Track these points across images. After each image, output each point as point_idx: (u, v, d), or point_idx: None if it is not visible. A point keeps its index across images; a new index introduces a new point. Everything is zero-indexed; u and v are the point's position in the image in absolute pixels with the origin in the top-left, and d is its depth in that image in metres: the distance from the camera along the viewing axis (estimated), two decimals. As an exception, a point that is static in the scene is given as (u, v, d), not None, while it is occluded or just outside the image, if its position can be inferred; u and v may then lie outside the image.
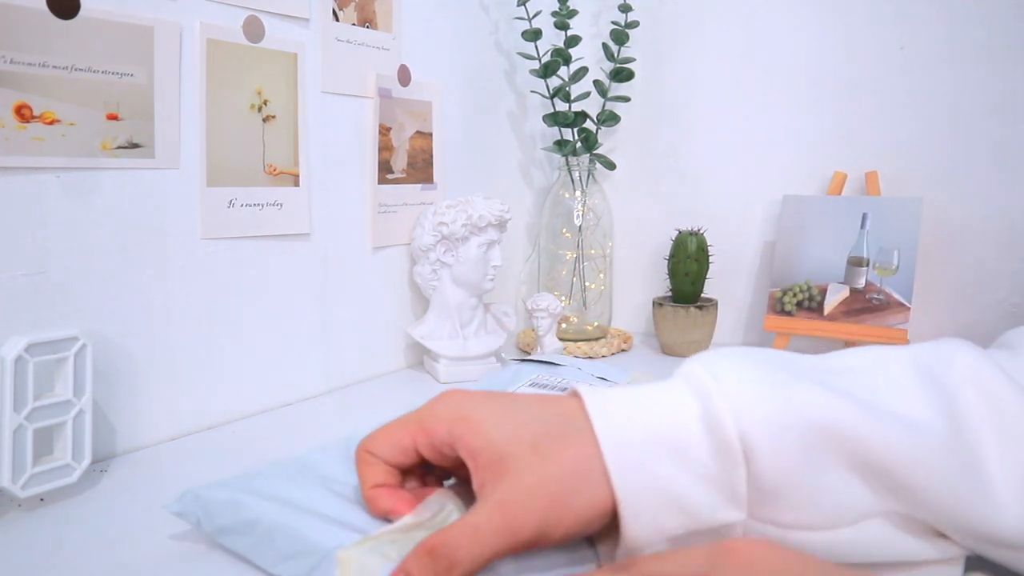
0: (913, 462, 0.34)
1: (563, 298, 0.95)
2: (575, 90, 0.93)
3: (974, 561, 0.37)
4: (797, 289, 0.87)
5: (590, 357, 0.90)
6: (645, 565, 0.31)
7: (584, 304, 0.96)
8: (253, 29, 0.65)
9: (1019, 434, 0.35)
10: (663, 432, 0.34)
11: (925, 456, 0.34)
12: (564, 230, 0.96)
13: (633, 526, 0.34)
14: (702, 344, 0.91)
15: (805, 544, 0.35)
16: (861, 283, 0.84)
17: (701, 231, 0.92)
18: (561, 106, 0.95)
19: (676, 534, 0.34)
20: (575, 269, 0.96)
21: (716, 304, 0.92)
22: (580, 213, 0.95)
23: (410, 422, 0.38)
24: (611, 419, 0.35)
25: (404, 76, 0.82)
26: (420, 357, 0.87)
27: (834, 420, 0.34)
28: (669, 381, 0.37)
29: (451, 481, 0.42)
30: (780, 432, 0.34)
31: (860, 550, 0.35)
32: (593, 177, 0.96)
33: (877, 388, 0.37)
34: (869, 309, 0.83)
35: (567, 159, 0.94)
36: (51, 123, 0.52)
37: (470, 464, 0.35)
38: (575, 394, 0.37)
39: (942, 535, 0.36)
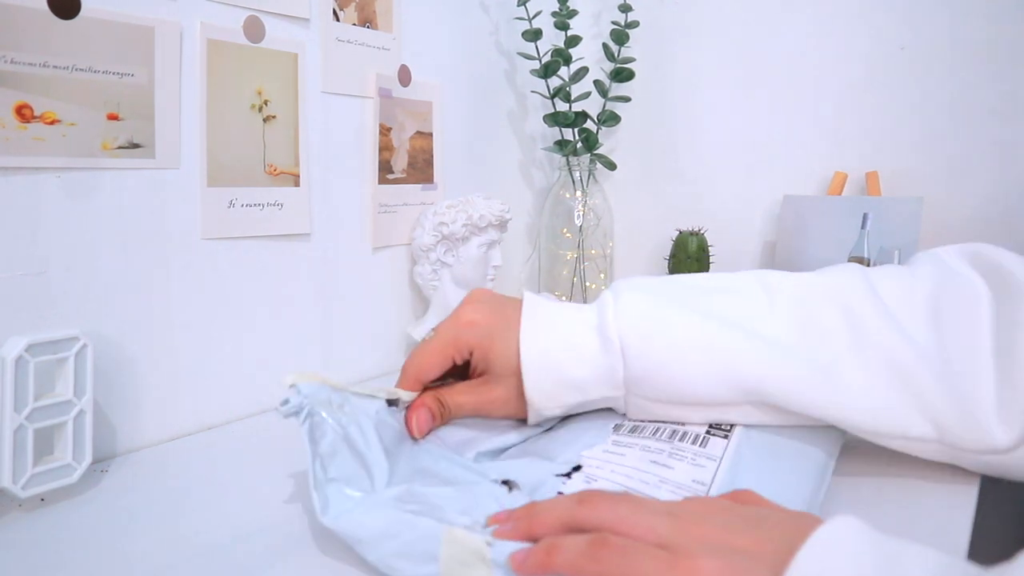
0: (763, 368, 0.46)
1: (563, 298, 0.95)
2: (575, 90, 0.93)
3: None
4: (797, 289, 0.87)
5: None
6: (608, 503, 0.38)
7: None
8: (253, 29, 0.65)
9: (874, 342, 0.45)
10: (566, 334, 0.50)
11: (776, 363, 0.46)
12: (564, 230, 0.96)
13: (534, 398, 0.50)
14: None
15: (669, 414, 0.50)
16: (861, 283, 0.84)
17: (701, 231, 0.92)
18: (561, 106, 0.95)
19: (571, 403, 0.51)
20: (575, 269, 0.96)
21: (716, 304, 0.92)
22: (580, 213, 0.95)
23: (444, 347, 0.52)
24: (532, 322, 0.51)
25: (404, 76, 0.82)
26: (420, 357, 0.87)
27: (693, 337, 0.48)
28: (590, 303, 0.53)
29: None
30: (648, 339, 0.48)
31: (717, 418, 0.50)
32: (593, 177, 0.96)
33: (746, 309, 0.49)
34: (869, 309, 0.83)
35: (567, 159, 0.94)
36: (52, 123, 0.52)
37: (474, 367, 0.53)
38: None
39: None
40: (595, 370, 0.49)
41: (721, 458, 0.47)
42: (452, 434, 0.52)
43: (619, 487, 0.45)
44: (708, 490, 0.44)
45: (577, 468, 0.47)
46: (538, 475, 0.46)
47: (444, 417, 0.51)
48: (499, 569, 0.35)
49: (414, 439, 0.50)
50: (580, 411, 0.53)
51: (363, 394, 0.48)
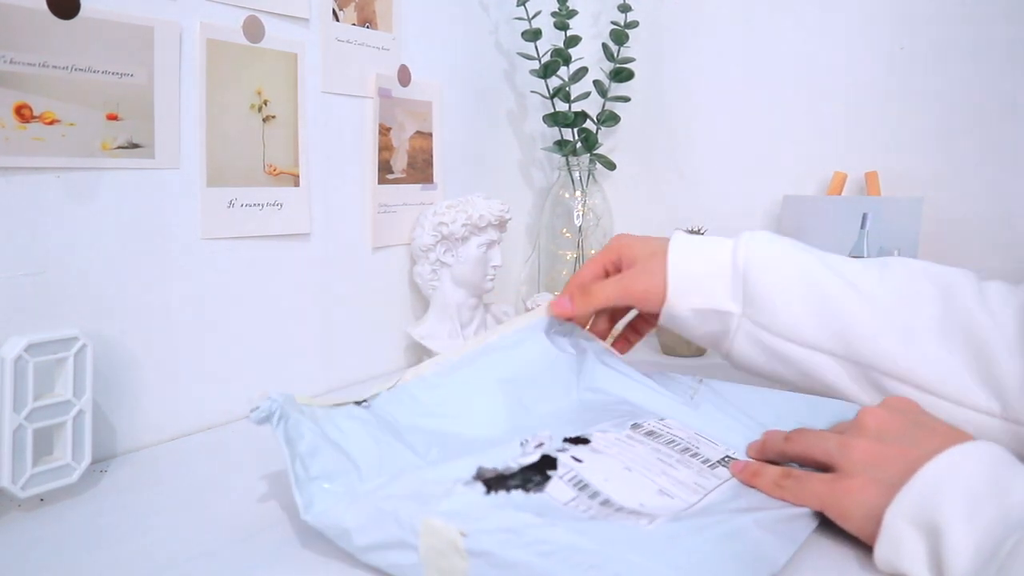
0: (856, 316, 0.53)
1: (563, 298, 0.95)
2: (575, 90, 0.93)
3: None
4: (797, 289, 0.87)
5: (590, 357, 0.90)
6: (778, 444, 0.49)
7: (584, 304, 0.96)
8: (253, 29, 0.65)
9: (960, 317, 0.51)
10: (706, 248, 0.59)
11: (867, 314, 0.53)
12: (564, 230, 0.96)
13: (673, 287, 0.57)
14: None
15: (769, 353, 0.56)
16: (861, 283, 0.84)
17: (701, 231, 0.92)
18: (561, 106, 0.95)
19: (697, 307, 0.57)
20: (575, 269, 0.96)
21: (716, 304, 0.92)
22: (580, 213, 0.95)
23: (598, 256, 0.63)
24: (677, 236, 0.60)
25: (404, 76, 0.82)
26: (420, 357, 0.86)
27: (806, 274, 0.55)
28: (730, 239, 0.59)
29: None
30: (766, 267, 0.56)
31: (803, 370, 0.56)
32: (593, 177, 0.96)
33: (858, 271, 0.55)
34: (869, 309, 0.83)
35: (567, 159, 0.94)
36: (51, 123, 0.52)
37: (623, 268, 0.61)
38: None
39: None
40: (722, 280, 0.57)
41: (727, 480, 0.47)
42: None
43: (622, 467, 0.45)
44: (707, 494, 0.44)
45: (586, 441, 0.48)
46: (551, 442, 0.47)
47: (585, 304, 0.59)
48: (476, 558, 0.36)
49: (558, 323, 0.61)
50: (698, 328, 0.59)
51: (328, 405, 0.49)
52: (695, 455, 0.50)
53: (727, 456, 0.50)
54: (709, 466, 0.49)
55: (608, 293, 0.59)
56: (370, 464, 0.45)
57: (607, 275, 0.61)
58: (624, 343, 0.67)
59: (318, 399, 0.49)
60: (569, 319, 0.61)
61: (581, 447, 0.47)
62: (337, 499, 0.42)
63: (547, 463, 0.44)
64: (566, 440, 0.48)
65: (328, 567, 0.40)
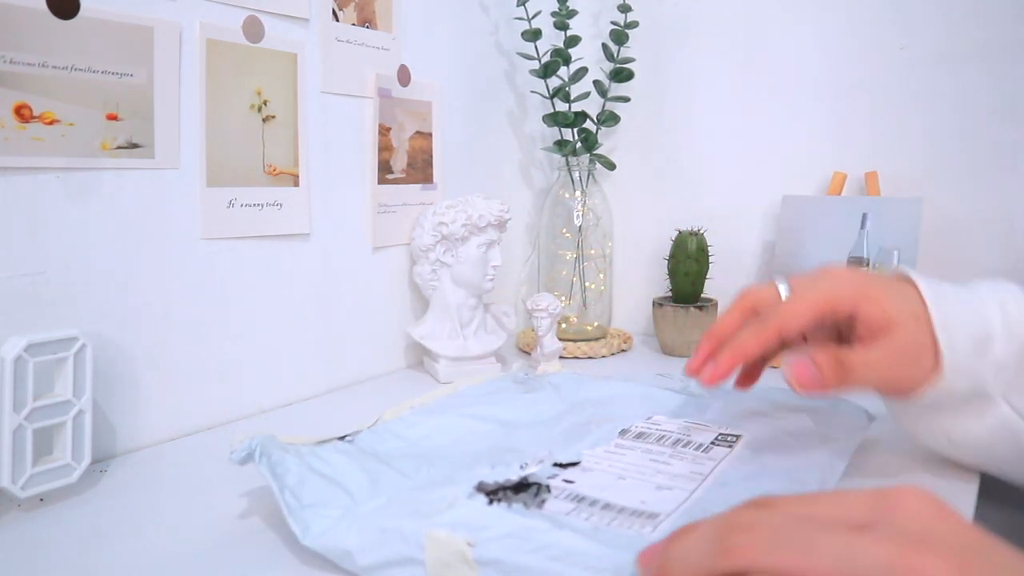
0: None
1: (563, 298, 0.95)
2: (575, 90, 0.93)
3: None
4: (797, 289, 0.87)
5: (590, 357, 0.90)
6: (804, 505, 0.30)
7: (584, 304, 0.96)
8: (253, 29, 0.65)
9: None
10: (975, 327, 0.45)
11: None
12: (564, 230, 0.96)
13: (947, 384, 0.45)
14: (702, 344, 0.91)
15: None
16: (861, 283, 0.84)
17: (701, 231, 0.92)
18: (561, 106, 0.94)
19: (976, 358, 0.45)
20: (575, 269, 0.96)
21: (716, 304, 0.92)
22: (580, 213, 0.95)
23: (819, 300, 0.45)
24: (943, 310, 0.45)
25: (404, 76, 0.82)
26: (420, 357, 0.87)
27: None
28: (972, 289, 0.48)
29: None
30: None
31: None
32: (593, 177, 0.96)
33: None
34: (869, 309, 0.83)
35: (567, 159, 0.94)
36: (51, 123, 0.52)
37: (862, 328, 0.45)
38: (911, 281, 0.47)
39: None
40: (992, 323, 0.45)
41: (723, 459, 0.48)
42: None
43: (615, 477, 0.45)
44: (704, 480, 0.45)
45: (575, 463, 0.48)
46: (542, 467, 0.47)
47: (840, 380, 0.43)
48: (485, 567, 0.36)
49: (799, 392, 0.44)
50: (968, 382, 0.45)
51: (311, 443, 0.49)
52: (687, 444, 0.50)
53: (720, 435, 0.52)
54: (703, 451, 0.49)
55: (872, 378, 0.45)
56: (363, 489, 0.45)
57: (832, 327, 0.48)
58: (748, 379, 0.52)
59: (300, 437, 0.49)
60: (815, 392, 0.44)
61: (571, 470, 0.47)
62: (336, 521, 0.41)
63: (540, 490, 0.44)
64: (556, 465, 0.47)
65: (328, 566, 0.40)
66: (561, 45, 0.92)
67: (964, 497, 0.47)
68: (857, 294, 0.45)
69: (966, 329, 0.45)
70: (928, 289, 0.46)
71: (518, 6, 0.90)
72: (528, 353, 0.91)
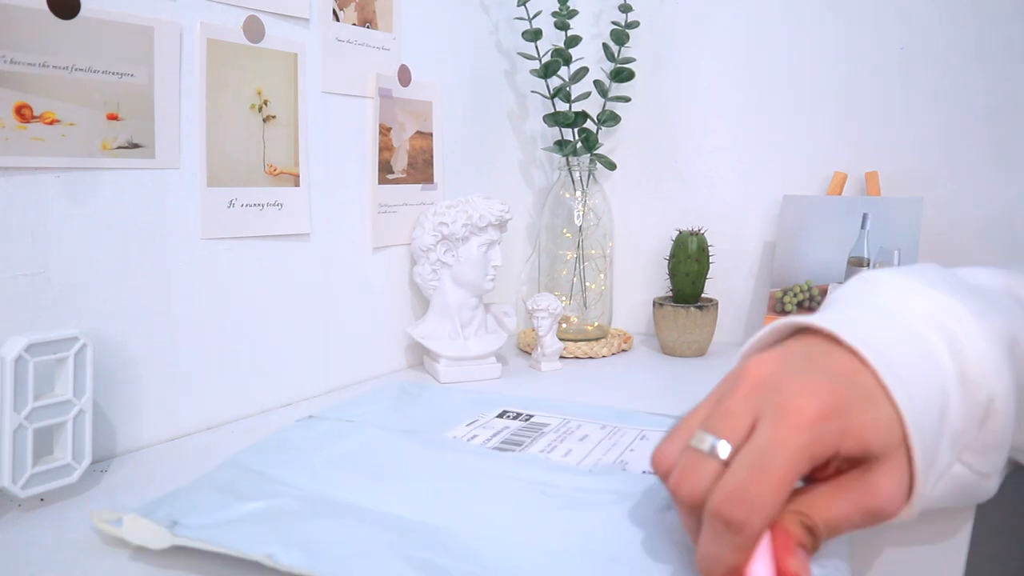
0: None
1: (563, 298, 0.95)
2: (575, 90, 0.93)
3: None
4: (798, 289, 0.87)
5: (590, 357, 0.90)
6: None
7: (584, 304, 0.96)
8: (253, 29, 0.65)
9: None
10: (937, 400, 0.37)
11: None
12: (564, 230, 0.96)
13: (921, 494, 0.36)
14: (702, 344, 0.91)
15: (987, 488, 0.41)
16: (861, 283, 0.84)
17: (701, 231, 0.92)
18: (561, 106, 0.95)
19: (942, 462, 0.38)
20: (575, 269, 0.96)
21: (716, 304, 0.92)
22: (580, 213, 0.95)
23: (789, 470, 0.33)
24: (918, 427, 0.36)
25: (404, 76, 0.82)
26: (420, 357, 0.87)
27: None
28: (917, 326, 0.39)
29: None
30: (1012, 394, 0.38)
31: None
32: (593, 177, 0.96)
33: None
34: (869, 309, 0.83)
35: (567, 159, 0.94)
36: (51, 123, 0.52)
37: (831, 469, 0.36)
38: (861, 359, 0.37)
39: None
40: (953, 442, 0.38)
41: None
42: None
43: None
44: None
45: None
46: None
47: (815, 550, 0.35)
48: None
49: None
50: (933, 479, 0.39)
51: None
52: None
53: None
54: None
55: (851, 523, 0.36)
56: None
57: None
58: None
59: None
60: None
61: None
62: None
63: None
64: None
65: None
66: (562, 45, 0.92)
67: (962, 511, 0.47)
68: (833, 430, 0.34)
69: (932, 421, 0.37)
70: (897, 389, 0.36)
71: (518, 6, 0.90)
72: (528, 353, 0.91)
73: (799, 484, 0.36)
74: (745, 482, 0.32)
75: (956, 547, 0.44)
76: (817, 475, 0.36)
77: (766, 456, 0.33)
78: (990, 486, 0.41)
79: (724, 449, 0.34)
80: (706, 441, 0.35)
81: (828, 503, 0.35)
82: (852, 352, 0.37)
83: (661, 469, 0.37)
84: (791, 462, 0.33)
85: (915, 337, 0.39)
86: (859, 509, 0.35)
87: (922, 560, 0.42)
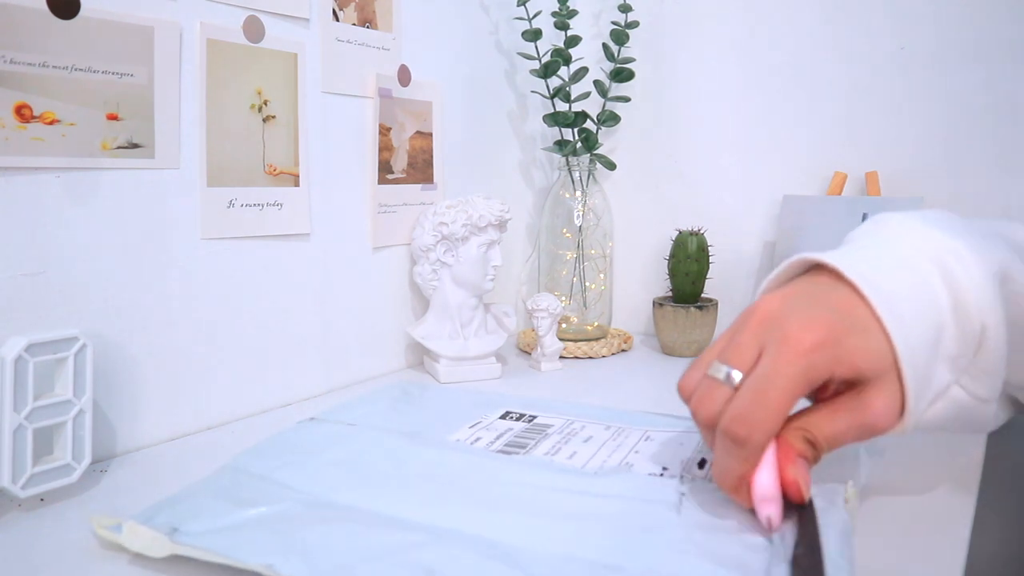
0: None
1: (563, 298, 0.95)
2: (575, 90, 0.93)
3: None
4: (797, 289, 0.87)
5: (590, 357, 0.90)
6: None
7: (584, 304, 0.96)
8: (253, 29, 0.65)
9: None
10: (931, 329, 0.41)
11: None
12: (564, 230, 0.96)
13: (913, 411, 0.40)
14: (702, 344, 0.91)
15: (985, 413, 0.43)
16: (861, 283, 0.84)
17: (701, 231, 0.92)
18: (561, 106, 0.95)
19: (942, 381, 0.42)
20: (575, 269, 0.96)
21: (716, 304, 0.92)
22: (580, 213, 0.95)
23: (789, 391, 0.38)
24: (909, 347, 0.40)
25: (404, 76, 0.82)
26: (420, 357, 0.87)
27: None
28: (917, 262, 0.43)
29: None
30: (1003, 325, 0.41)
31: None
32: (593, 177, 0.96)
33: None
34: (869, 309, 0.83)
35: (567, 159, 0.94)
36: (51, 123, 0.52)
37: (829, 390, 0.42)
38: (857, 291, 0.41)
39: None
40: (950, 364, 0.42)
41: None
42: None
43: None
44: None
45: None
46: None
47: (817, 460, 0.41)
48: None
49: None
50: (928, 398, 0.42)
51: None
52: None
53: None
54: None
55: (847, 438, 0.41)
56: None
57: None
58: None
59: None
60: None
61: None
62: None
63: None
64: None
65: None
66: (561, 45, 0.92)
67: (962, 510, 0.47)
68: (827, 358, 0.38)
69: (925, 347, 0.40)
70: (890, 319, 0.40)
71: (518, 6, 0.90)
72: (528, 353, 0.91)
73: (805, 404, 0.41)
74: (748, 404, 0.38)
75: (956, 542, 0.44)
76: (819, 396, 0.42)
77: (766, 382, 0.38)
78: (988, 411, 0.44)
79: (736, 377, 0.40)
80: (721, 370, 0.41)
81: (827, 419, 0.40)
82: (852, 287, 0.41)
83: (684, 394, 0.44)
84: (788, 387, 0.38)
85: (913, 271, 0.42)
86: (855, 424, 0.40)
87: (922, 560, 0.42)
